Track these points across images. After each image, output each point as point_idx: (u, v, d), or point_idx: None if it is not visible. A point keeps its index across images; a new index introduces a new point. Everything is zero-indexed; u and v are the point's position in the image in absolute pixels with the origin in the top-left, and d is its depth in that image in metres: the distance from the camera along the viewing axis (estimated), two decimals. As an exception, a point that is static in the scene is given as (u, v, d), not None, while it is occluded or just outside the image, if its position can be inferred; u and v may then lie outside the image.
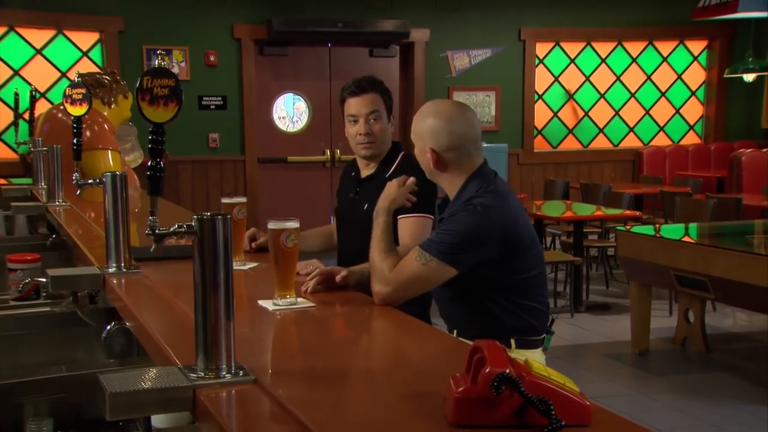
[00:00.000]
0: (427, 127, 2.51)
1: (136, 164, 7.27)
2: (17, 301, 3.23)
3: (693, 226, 6.28)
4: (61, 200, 4.52)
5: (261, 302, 2.26)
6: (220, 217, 1.62)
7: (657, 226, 6.56)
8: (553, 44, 10.69)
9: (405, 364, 1.89)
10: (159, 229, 1.69)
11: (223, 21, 9.37)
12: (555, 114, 10.84)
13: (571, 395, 1.43)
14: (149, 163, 1.74)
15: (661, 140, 11.21)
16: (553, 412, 1.38)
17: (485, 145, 10.01)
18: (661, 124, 11.22)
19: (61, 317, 2.88)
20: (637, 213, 7.50)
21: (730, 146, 10.48)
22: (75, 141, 3.00)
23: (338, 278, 2.43)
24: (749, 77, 9.82)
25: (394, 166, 3.16)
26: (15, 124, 7.44)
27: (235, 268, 2.73)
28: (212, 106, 9.44)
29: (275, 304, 2.23)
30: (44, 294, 3.18)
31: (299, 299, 2.27)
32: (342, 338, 2.07)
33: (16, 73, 8.89)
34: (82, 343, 2.77)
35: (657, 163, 10.79)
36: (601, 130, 11.03)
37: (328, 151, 10.00)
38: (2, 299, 3.35)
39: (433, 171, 2.53)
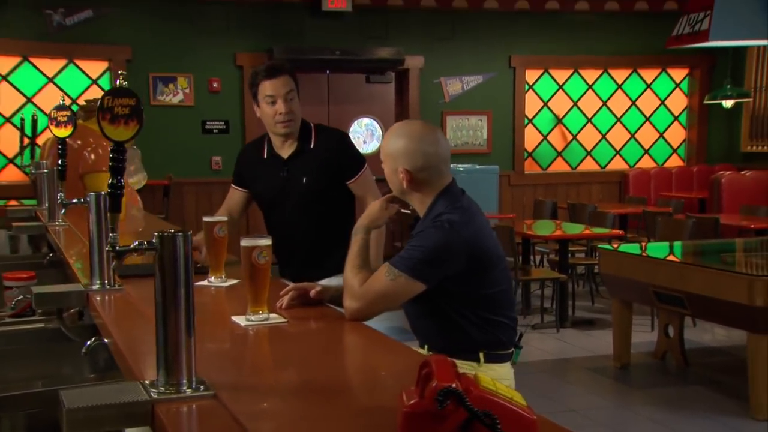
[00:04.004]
0: (399, 147, 2.46)
1: (139, 186, 7.24)
2: (12, 318, 3.19)
3: (671, 244, 6.23)
4: (60, 220, 4.47)
5: (234, 318, 2.22)
6: (180, 234, 1.58)
7: (643, 244, 6.51)
8: (542, 71, 10.69)
9: (366, 378, 1.84)
10: (119, 246, 1.64)
11: (225, 50, 9.39)
12: (544, 137, 10.82)
13: (518, 409, 1.38)
14: (109, 181, 1.69)
15: (646, 163, 11.19)
16: (498, 426, 1.33)
17: (477, 167, 9.95)
18: (646, 148, 11.20)
19: (47, 333, 2.83)
20: (621, 232, 7.45)
21: (711, 169, 10.47)
22: (60, 162, 2.97)
23: (312, 293, 2.39)
24: (728, 103, 9.84)
25: (314, 140, 3.30)
26: (22, 147, 7.43)
27: (215, 284, 2.73)
28: (215, 130, 9.44)
29: (248, 320, 2.19)
30: (39, 311, 3.14)
31: (272, 315, 2.22)
32: (308, 353, 2.02)
33: (29, 100, 8.91)
34: (67, 359, 2.73)
35: (642, 184, 10.76)
36: (588, 153, 11.00)
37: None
38: (-1, 316, 3.30)
39: (405, 190, 2.48)
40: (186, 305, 1.60)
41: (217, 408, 1.52)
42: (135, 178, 7.21)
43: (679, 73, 11.15)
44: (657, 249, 5.98)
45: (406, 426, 1.36)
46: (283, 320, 2.20)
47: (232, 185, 3.51)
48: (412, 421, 1.35)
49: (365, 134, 10.35)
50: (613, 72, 10.92)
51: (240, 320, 2.20)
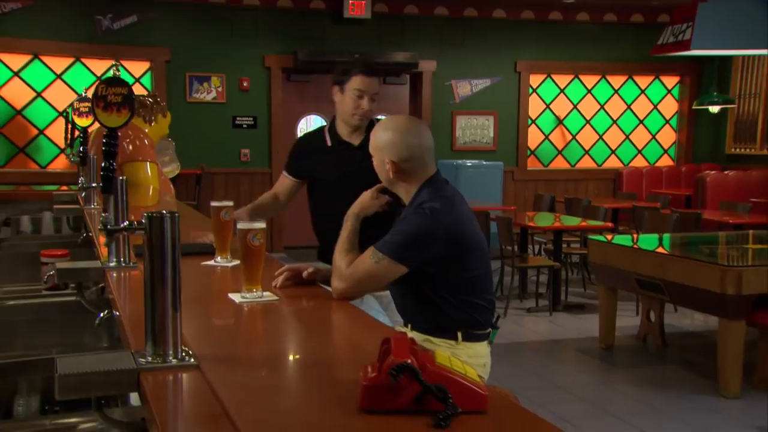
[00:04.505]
0: (386, 140, 2.42)
1: (173, 174, 7.26)
2: (48, 291, 3.19)
3: (655, 236, 6.17)
4: (95, 204, 4.48)
5: (230, 295, 2.19)
6: (168, 215, 1.55)
7: (635, 236, 6.44)
8: (545, 76, 10.59)
9: (343, 353, 1.81)
10: (111, 225, 1.62)
11: (255, 52, 9.38)
12: (546, 137, 10.73)
13: (470, 384, 1.35)
14: (102, 164, 1.66)
15: (639, 162, 11.08)
16: (449, 399, 1.30)
17: (484, 163, 9.86)
18: (639, 148, 11.09)
19: (71, 305, 2.83)
20: (611, 224, 7.37)
21: (698, 168, 10.35)
22: (81, 149, 2.94)
23: (305, 274, 2.36)
24: (714, 109, 9.75)
25: None
26: (71, 138, 7.45)
27: (220, 264, 2.71)
28: (244, 125, 9.43)
29: (243, 297, 2.16)
30: (72, 286, 3.13)
31: (266, 293, 2.19)
32: (294, 329, 1.99)
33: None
34: (88, 329, 2.73)
35: (635, 181, 10.65)
36: (586, 152, 10.90)
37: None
38: (36, 289, 3.31)
39: (392, 180, 2.44)
40: (173, 282, 1.57)
41: (198, 378, 1.49)
42: (169, 168, 7.22)
43: (670, 80, 11.02)
44: (641, 240, 5.91)
45: (365, 398, 1.33)
46: (275, 298, 2.17)
47: (285, 173, 3.48)
48: (371, 393, 1.33)
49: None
50: (610, 78, 10.81)
51: (235, 297, 2.17)
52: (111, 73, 1.71)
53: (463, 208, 2.39)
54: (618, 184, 10.73)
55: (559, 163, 10.83)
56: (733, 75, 10.29)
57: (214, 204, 2.69)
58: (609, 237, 6.30)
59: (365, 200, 2.53)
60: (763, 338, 4.71)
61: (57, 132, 8.73)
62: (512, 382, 4.93)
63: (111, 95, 1.64)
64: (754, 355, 4.81)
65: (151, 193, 5.13)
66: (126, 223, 1.56)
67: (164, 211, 1.56)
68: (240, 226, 2.17)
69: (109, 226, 1.60)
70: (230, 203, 2.73)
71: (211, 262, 2.71)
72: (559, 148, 10.79)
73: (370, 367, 1.39)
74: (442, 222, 2.28)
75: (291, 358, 1.71)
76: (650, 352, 5.72)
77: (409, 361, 1.31)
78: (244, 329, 2.00)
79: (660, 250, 5.45)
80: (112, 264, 2.60)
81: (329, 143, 3.35)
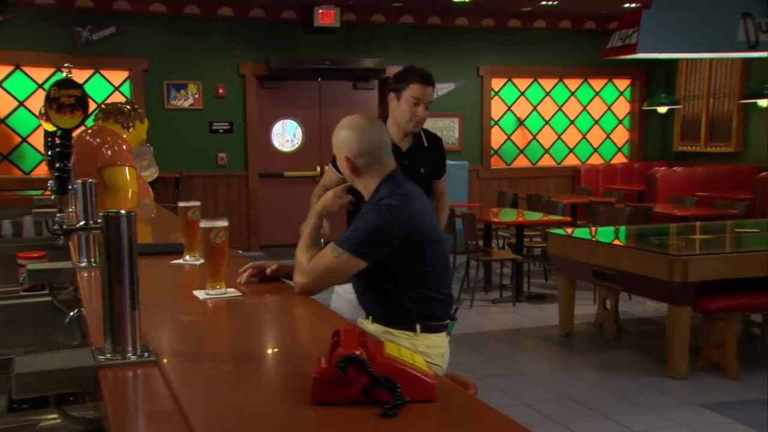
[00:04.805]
0: (341, 138, 2.38)
1: (152, 178, 7.15)
2: (25, 292, 3.11)
3: (611, 229, 6.17)
4: (72, 207, 4.38)
5: (195, 292, 2.14)
6: (124, 214, 1.49)
7: (594, 229, 6.43)
8: (506, 80, 10.59)
9: (301, 347, 1.76)
10: (66, 225, 1.56)
11: (229, 60, 9.27)
12: (508, 137, 10.74)
13: (418, 374, 1.31)
14: (56, 165, 1.60)
15: (596, 160, 11.12)
16: (398, 390, 1.26)
17: (450, 162, 9.87)
18: (595, 147, 11.13)
19: (44, 306, 2.75)
20: (569, 219, 7.37)
21: (649, 165, 10.41)
22: (49, 153, 2.85)
23: (268, 271, 2.31)
24: (662, 109, 9.82)
25: (425, 139, 3.38)
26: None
27: (189, 262, 2.64)
28: (221, 130, 9.33)
29: (207, 294, 2.11)
30: (50, 286, 3.05)
31: (229, 289, 2.14)
32: (254, 324, 1.94)
33: (60, 104, 8.78)
34: (60, 329, 2.65)
35: (592, 178, 10.69)
36: (546, 151, 10.92)
37: (319, 167, 9.88)
38: (13, 290, 3.22)
39: (351, 176, 2.40)
40: (130, 281, 1.52)
41: (155, 374, 1.44)
42: (148, 172, 7.11)
43: (622, 83, 11.08)
44: (598, 233, 5.91)
45: (315, 390, 1.29)
46: (239, 294, 2.12)
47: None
48: (321, 385, 1.28)
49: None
50: (566, 81, 10.84)
51: (200, 294, 2.12)
52: (64, 75, 1.64)
53: (421, 205, 2.34)
54: (576, 180, 10.77)
55: (521, 162, 10.84)
56: (679, 78, 10.39)
57: (181, 204, 2.63)
58: (569, 231, 6.31)
59: (328, 199, 2.48)
60: (707, 322, 4.73)
61: (39, 139, 8.57)
62: (477, 369, 4.91)
63: (64, 97, 1.58)
64: (700, 339, 4.83)
65: (130, 196, 5.07)
66: (82, 222, 1.50)
67: (121, 211, 1.50)
68: (202, 224, 2.12)
69: (64, 226, 1.54)
70: (197, 203, 2.67)
71: (180, 261, 2.65)
72: (521, 148, 10.80)
73: (323, 359, 1.35)
74: (399, 218, 2.24)
75: (249, 352, 1.65)
76: (606, 339, 5.72)
77: (358, 352, 1.27)
78: (204, 325, 1.94)
79: (614, 242, 5.46)
80: (83, 264, 2.54)
81: None
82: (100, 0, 8.72)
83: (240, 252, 3.83)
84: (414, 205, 2.29)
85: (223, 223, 2.11)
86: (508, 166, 10.78)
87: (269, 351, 1.66)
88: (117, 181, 5.20)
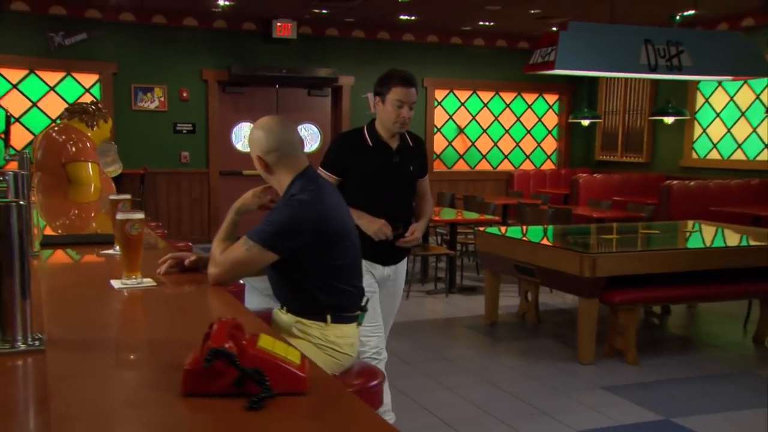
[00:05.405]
0: (253, 138, 2.27)
1: (115, 174, 6.90)
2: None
3: (539, 228, 6.15)
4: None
5: (112, 281, 2.01)
6: (14, 204, 1.37)
7: (524, 228, 6.38)
8: (448, 91, 10.55)
9: (193, 337, 1.64)
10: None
11: (193, 66, 9.05)
12: (450, 143, 10.69)
13: (289, 367, 1.21)
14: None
15: (527, 166, 11.14)
16: (266, 382, 1.16)
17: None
18: (527, 154, 11.15)
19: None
20: (497, 218, 7.33)
21: (574, 171, 10.48)
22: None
23: (187, 262, 2.19)
24: (585, 122, 9.87)
25: (410, 140, 3.30)
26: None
27: (118, 253, 2.50)
28: (184, 131, 9.10)
29: (123, 284, 1.99)
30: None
31: (145, 279, 2.02)
32: (157, 314, 1.82)
33: (34, 104, 8.52)
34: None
35: (524, 182, 10.71)
36: (483, 156, 10.91)
37: (275, 167, 9.69)
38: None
39: (265, 174, 2.29)
40: (21, 271, 1.39)
41: (40, 362, 1.32)
42: (112, 168, 6.86)
43: (551, 98, 11.13)
44: (519, 232, 5.89)
45: (186, 382, 1.18)
46: (154, 284, 2.00)
47: (327, 173, 3.18)
48: (191, 377, 1.18)
49: (308, 137, 10.08)
50: (502, 94, 10.84)
51: (116, 283, 1.99)
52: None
53: (333, 201, 2.25)
54: (510, 184, 10.78)
55: (461, 166, 10.81)
56: (600, 95, 10.49)
57: (111, 197, 2.49)
58: (503, 229, 6.29)
59: (247, 197, 2.37)
60: (612, 314, 4.73)
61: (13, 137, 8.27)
62: (411, 355, 4.84)
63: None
64: (606, 328, 4.83)
65: (92, 190, 4.94)
66: (-31, 213, 1.37)
67: (10, 201, 1.38)
68: (119, 216, 2.00)
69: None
70: (127, 196, 2.53)
71: (111, 251, 2.51)
72: (461, 153, 10.77)
73: (192, 352, 1.24)
74: (309, 213, 2.13)
75: (140, 342, 1.54)
76: (528, 328, 5.70)
77: (227, 346, 1.17)
78: (108, 314, 1.81)
79: (534, 240, 5.43)
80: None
81: (371, 143, 3.22)
82: (72, 8, 8.43)
83: (190, 244, 3.69)
84: (325, 201, 2.19)
85: (139, 215, 1.99)
86: (449, 170, 10.73)
87: (160, 341, 1.54)
88: (80, 176, 5.04)
